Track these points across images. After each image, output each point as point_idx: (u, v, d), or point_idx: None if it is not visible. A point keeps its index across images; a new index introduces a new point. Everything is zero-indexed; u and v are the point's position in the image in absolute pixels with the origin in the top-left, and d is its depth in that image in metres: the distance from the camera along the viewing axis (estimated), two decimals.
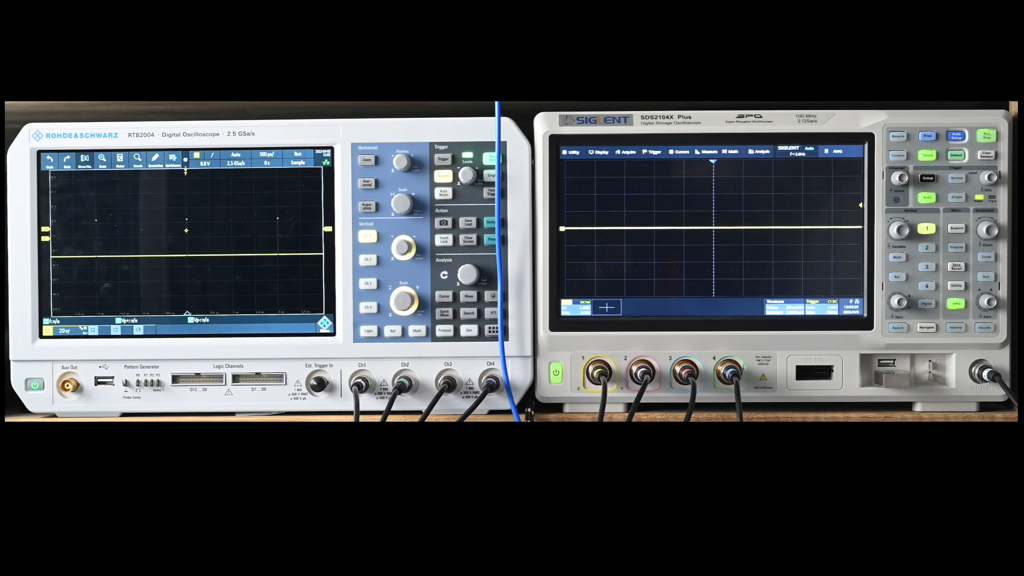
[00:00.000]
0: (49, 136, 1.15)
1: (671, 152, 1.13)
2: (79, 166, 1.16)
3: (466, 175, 1.13)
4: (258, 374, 1.16)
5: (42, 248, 1.16)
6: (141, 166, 1.16)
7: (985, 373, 1.12)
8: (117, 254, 1.16)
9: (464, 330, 1.15)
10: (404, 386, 1.14)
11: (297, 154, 1.15)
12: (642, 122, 1.13)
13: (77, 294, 1.16)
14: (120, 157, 1.16)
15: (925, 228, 1.13)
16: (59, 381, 1.16)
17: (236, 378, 1.16)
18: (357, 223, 1.15)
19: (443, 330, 1.15)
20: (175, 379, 1.16)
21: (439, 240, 1.14)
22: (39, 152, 1.16)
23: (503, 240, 1.14)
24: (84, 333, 1.16)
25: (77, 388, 1.16)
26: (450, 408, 1.15)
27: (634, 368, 1.14)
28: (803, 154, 1.13)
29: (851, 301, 1.14)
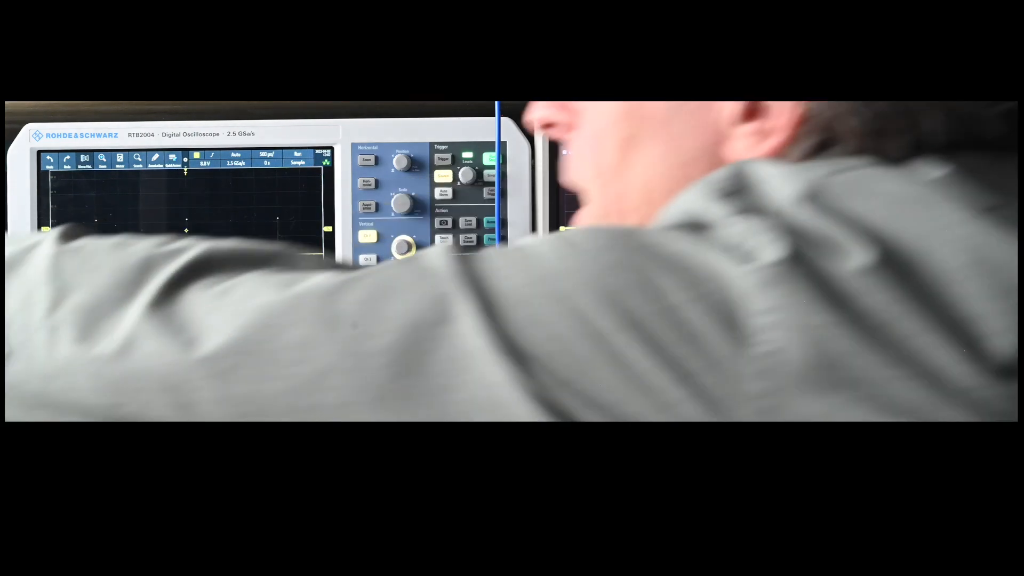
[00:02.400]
0: (49, 136, 1.15)
1: None
2: (79, 166, 1.16)
3: (466, 175, 1.13)
4: None
5: None
6: (141, 166, 1.16)
7: None
8: None
9: None
10: None
11: (297, 154, 1.15)
12: None
13: None
14: (120, 157, 1.16)
15: None
16: None
17: None
18: (357, 223, 1.15)
19: None
20: None
21: (439, 240, 1.14)
22: (39, 152, 1.16)
23: (503, 240, 1.14)
24: None
25: None
26: None
27: None
28: None
29: None
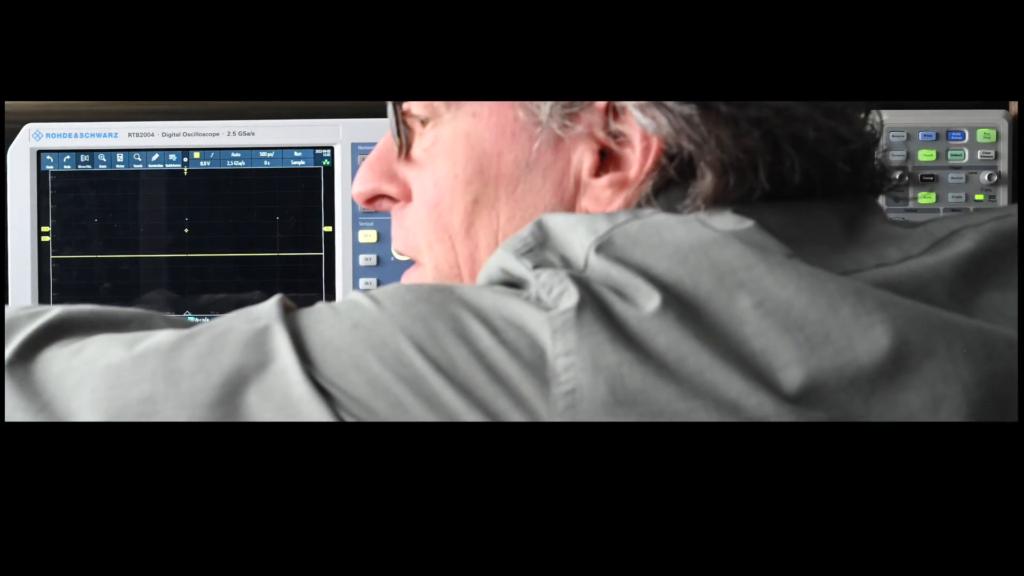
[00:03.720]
0: (49, 136, 1.15)
1: None
2: (79, 166, 1.16)
3: None
4: None
5: (42, 248, 1.16)
6: (141, 166, 1.16)
7: None
8: (117, 254, 1.16)
9: None
10: None
11: (297, 154, 1.16)
12: None
13: (77, 294, 1.16)
14: (120, 157, 1.16)
15: None
16: None
17: None
18: (357, 223, 1.15)
19: None
20: None
21: None
22: (39, 152, 1.16)
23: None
24: None
25: None
26: None
27: None
28: None
29: None
